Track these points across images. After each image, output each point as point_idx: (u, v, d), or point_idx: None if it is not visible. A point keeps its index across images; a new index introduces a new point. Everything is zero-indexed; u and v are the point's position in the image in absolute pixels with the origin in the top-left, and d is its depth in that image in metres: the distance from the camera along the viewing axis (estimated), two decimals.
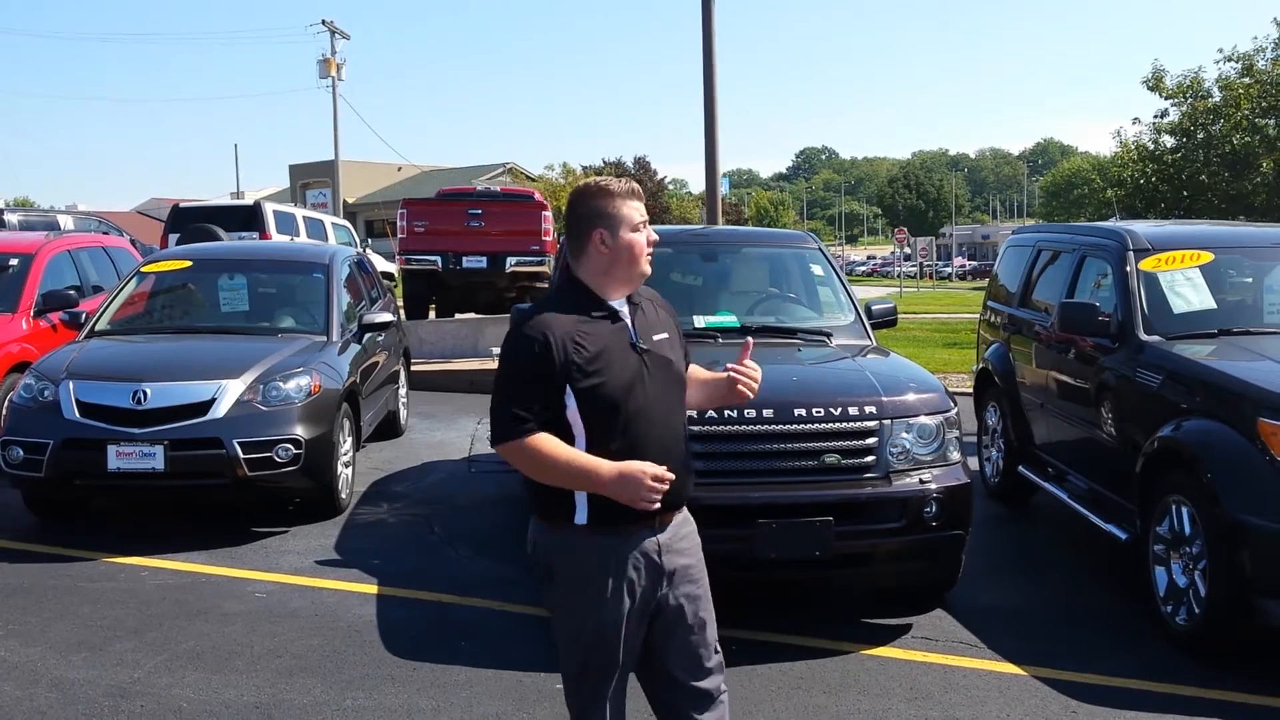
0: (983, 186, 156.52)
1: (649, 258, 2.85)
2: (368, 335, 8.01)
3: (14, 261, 9.13)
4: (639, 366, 2.78)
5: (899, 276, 52.15)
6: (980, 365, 8.03)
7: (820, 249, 6.73)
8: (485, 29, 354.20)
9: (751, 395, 3.04)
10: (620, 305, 2.83)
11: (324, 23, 41.73)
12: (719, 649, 3.00)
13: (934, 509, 4.76)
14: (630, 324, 2.82)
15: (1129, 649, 4.84)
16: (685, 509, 2.95)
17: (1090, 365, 6.01)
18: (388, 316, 8.17)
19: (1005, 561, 6.20)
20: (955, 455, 4.97)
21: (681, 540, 2.90)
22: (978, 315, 8.77)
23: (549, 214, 14.48)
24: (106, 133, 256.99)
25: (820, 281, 6.56)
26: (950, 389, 5.37)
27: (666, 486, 2.67)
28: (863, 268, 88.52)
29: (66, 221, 17.12)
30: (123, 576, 5.78)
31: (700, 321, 5.96)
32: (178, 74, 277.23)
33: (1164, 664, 4.64)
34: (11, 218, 16.31)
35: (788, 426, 4.72)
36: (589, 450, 2.71)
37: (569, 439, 2.72)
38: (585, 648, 2.81)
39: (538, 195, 16.54)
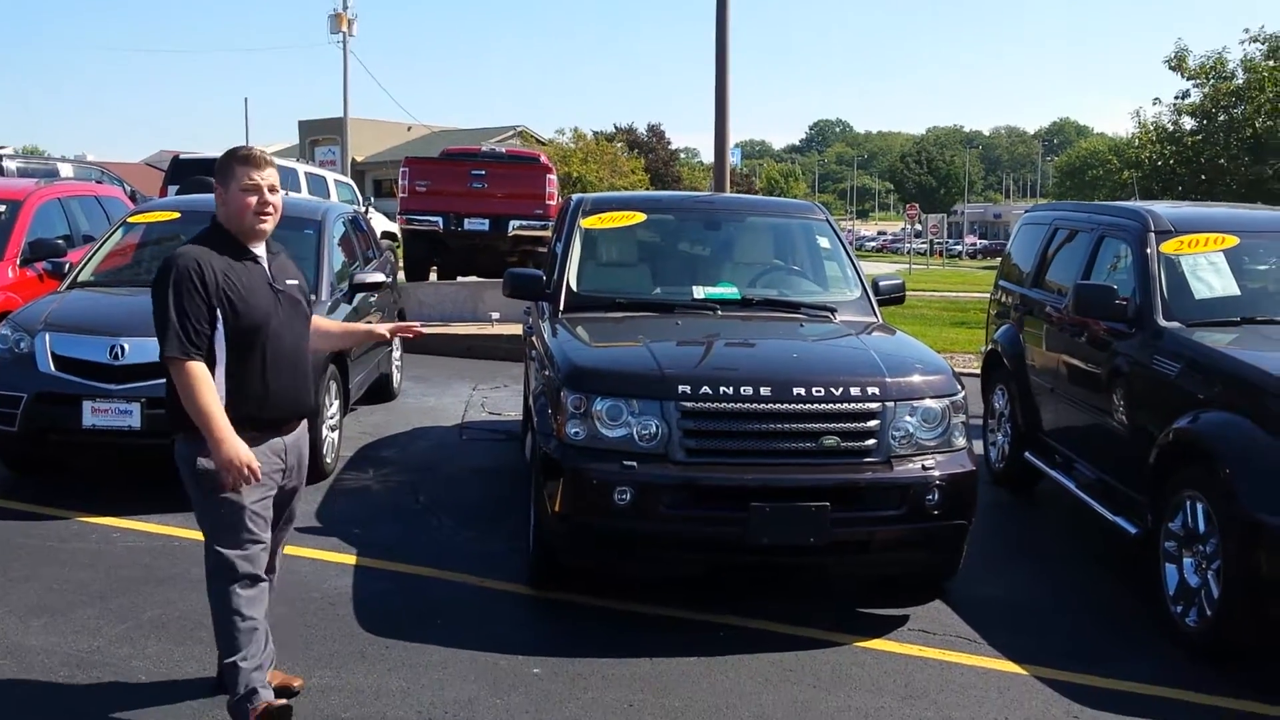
0: (996, 165, 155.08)
1: (257, 214, 3.52)
2: (359, 295, 7.77)
3: (1, 208, 8.91)
4: (274, 302, 3.56)
5: (909, 253, 51.58)
6: (989, 346, 7.78)
7: (828, 220, 6.47)
8: None
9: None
10: (258, 250, 3.60)
11: None
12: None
13: (936, 497, 4.54)
14: (268, 268, 3.60)
15: (1135, 650, 4.62)
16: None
17: (1104, 350, 5.77)
18: (380, 277, 7.93)
19: (1007, 552, 5.98)
20: (960, 441, 4.74)
21: (298, 439, 3.73)
22: (988, 295, 8.50)
23: (554, 177, 14.17)
24: (120, 83, 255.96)
25: (827, 255, 6.31)
26: (956, 370, 5.13)
27: (252, 483, 3.42)
28: (873, 243, 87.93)
29: (66, 170, 16.87)
30: (94, 537, 5.59)
31: (700, 292, 5.73)
32: (190, 25, 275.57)
33: (1172, 667, 4.42)
34: (10, 164, 16.03)
35: (785, 406, 4.49)
36: (228, 365, 3.47)
37: (211, 360, 3.44)
38: (227, 528, 3.52)
39: (543, 158, 16.22)
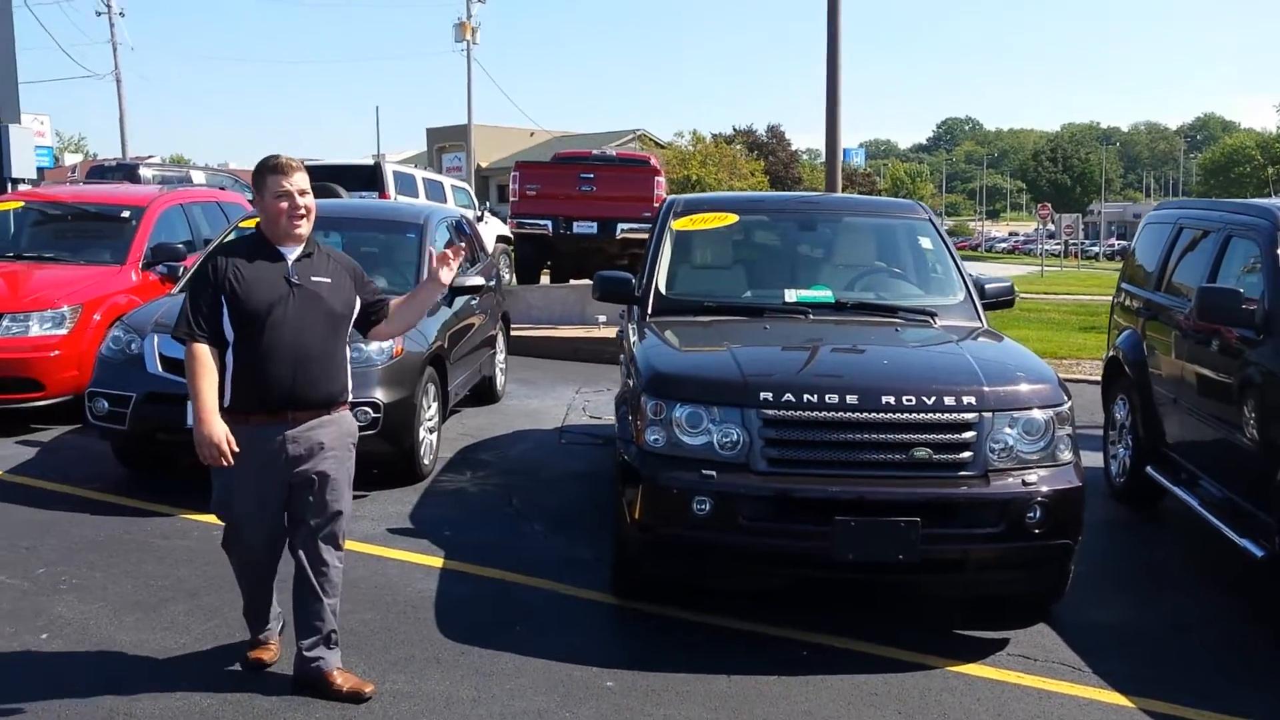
0: (1135, 163, 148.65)
1: (290, 219, 3.74)
2: (460, 298, 7.82)
3: (126, 214, 9.29)
4: (286, 293, 3.74)
5: (1041, 254, 49.77)
6: (1110, 353, 7.35)
7: (930, 220, 6.19)
8: None
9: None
10: (288, 250, 3.79)
11: None
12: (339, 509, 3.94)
13: (1038, 514, 4.26)
14: (290, 263, 3.78)
15: (1256, 686, 4.25)
16: (329, 410, 3.87)
17: (1233, 359, 5.36)
18: (479, 280, 7.95)
19: (1122, 573, 5.61)
20: (1066, 455, 4.45)
21: (309, 431, 3.80)
22: None
23: (662, 179, 14.07)
24: (261, 95, 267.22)
25: (929, 256, 6.04)
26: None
27: (224, 462, 3.64)
28: (1004, 244, 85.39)
29: (198, 177, 17.59)
30: (195, 534, 5.73)
31: (792, 296, 5.55)
32: (324, 37, 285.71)
33: None
34: (147, 172, 16.82)
35: (873, 415, 4.28)
36: (234, 348, 3.73)
37: (224, 342, 3.74)
38: (219, 499, 3.88)
39: (653, 160, 16.15)
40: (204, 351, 3.70)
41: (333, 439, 3.87)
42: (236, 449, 3.66)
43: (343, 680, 3.89)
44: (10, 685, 3.94)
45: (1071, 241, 58.38)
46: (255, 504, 3.82)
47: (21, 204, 9.91)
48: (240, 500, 3.82)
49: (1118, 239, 75.86)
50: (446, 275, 3.98)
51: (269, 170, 3.76)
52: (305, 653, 3.92)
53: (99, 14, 39.99)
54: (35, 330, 7.79)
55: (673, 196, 6.69)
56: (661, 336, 5.13)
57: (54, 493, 6.39)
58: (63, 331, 7.87)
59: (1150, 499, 6.62)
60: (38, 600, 4.75)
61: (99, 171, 18.03)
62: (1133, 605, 5.15)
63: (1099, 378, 8.40)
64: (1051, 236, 52.29)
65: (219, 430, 3.63)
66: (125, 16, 43.17)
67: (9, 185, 12.86)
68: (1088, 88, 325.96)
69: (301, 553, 3.92)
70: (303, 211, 3.77)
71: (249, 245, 3.86)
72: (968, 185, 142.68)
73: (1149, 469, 6.35)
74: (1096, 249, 71.65)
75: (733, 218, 6.14)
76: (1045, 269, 43.62)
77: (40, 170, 17.48)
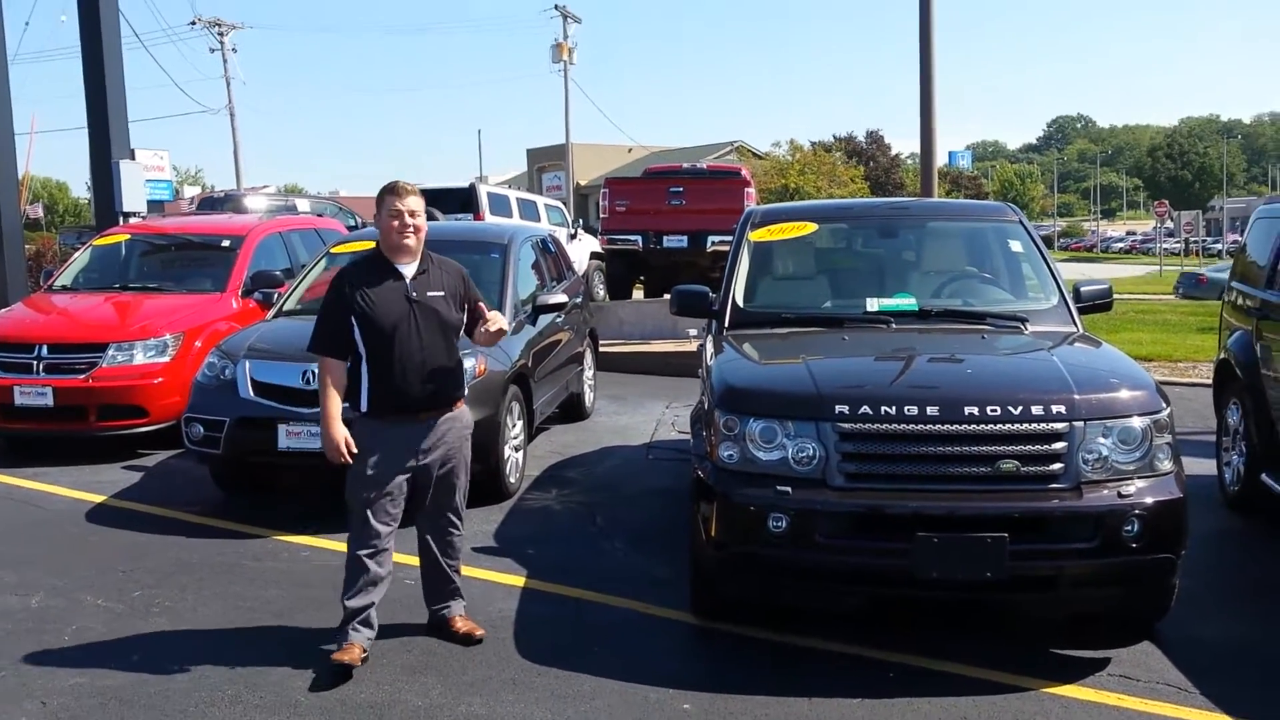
0: (1260, 155, 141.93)
1: (399, 235, 4.25)
2: (544, 316, 7.83)
3: (226, 243, 9.59)
4: (407, 311, 4.23)
5: (1160, 254, 47.83)
6: (1221, 355, 6.97)
7: (1021, 222, 5.95)
8: (714, 5, 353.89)
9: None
10: (405, 268, 4.29)
11: (557, 8, 42.67)
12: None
13: (1135, 528, 4.03)
14: (409, 281, 4.28)
15: None
16: (451, 407, 4.41)
17: None
18: (562, 298, 7.97)
19: (1234, 587, 5.29)
20: (1166, 464, 4.20)
21: (435, 426, 4.35)
22: None
23: (753, 191, 13.96)
24: (369, 123, 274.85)
25: (1020, 259, 5.80)
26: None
27: (343, 460, 4.24)
28: (1120, 244, 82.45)
29: (303, 205, 18.14)
30: (285, 556, 5.84)
31: (873, 304, 5.38)
32: (427, 65, 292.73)
33: None
34: (251, 201, 17.40)
35: (956, 427, 4.10)
36: (368, 359, 4.25)
37: (355, 353, 4.27)
38: (353, 487, 4.32)
39: (745, 171, 16.02)
40: (333, 365, 4.28)
41: (455, 430, 4.44)
42: (355, 450, 4.23)
43: (461, 624, 4.61)
44: (107, 711, 4.04)
45: (1192, 239, 55.99)
46: (385, 492, 4.28)
47: (128, 236, 10.33)
48: (374, 488, 4.26)
49: (1240, 235, 72.59)
50: (484, 340, 4.54)
51: (387, 192, 4.30)
52: (435, 609, 4.65)
53: (212, 50, 41.66)
54: (140, 359, 8.08)
55: (751, 208, 6.58)
56: (737, 350, 5.03)
57: (154, 516, 6.59)
58: (165, 359, 8.15)
59: (1266, 508, 6.23)
60: (131, 622, 4.89)
61: (209, 202, 18.73)
62: (1244, 622, 4.83)
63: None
64: (1170, 235, 50.28)
65: (339, 434, 4.22)
66: (237, 52, 44.83)
67: (120, 218, 13.41)
68: (1207, 80, 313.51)
69: (429, 529, 4.54)
70: (411, 229, 4.27)
71: (371, 265, 4.34)
72: (1081, 185, 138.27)
73: (1264, 476, 5.99)
74: (1219, 246, 68.60)
75: (811, 227, 6.00)
76: (1164, 268, 41.93)
77: (155, 203, 18.22)
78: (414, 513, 4.53)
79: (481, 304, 4.57)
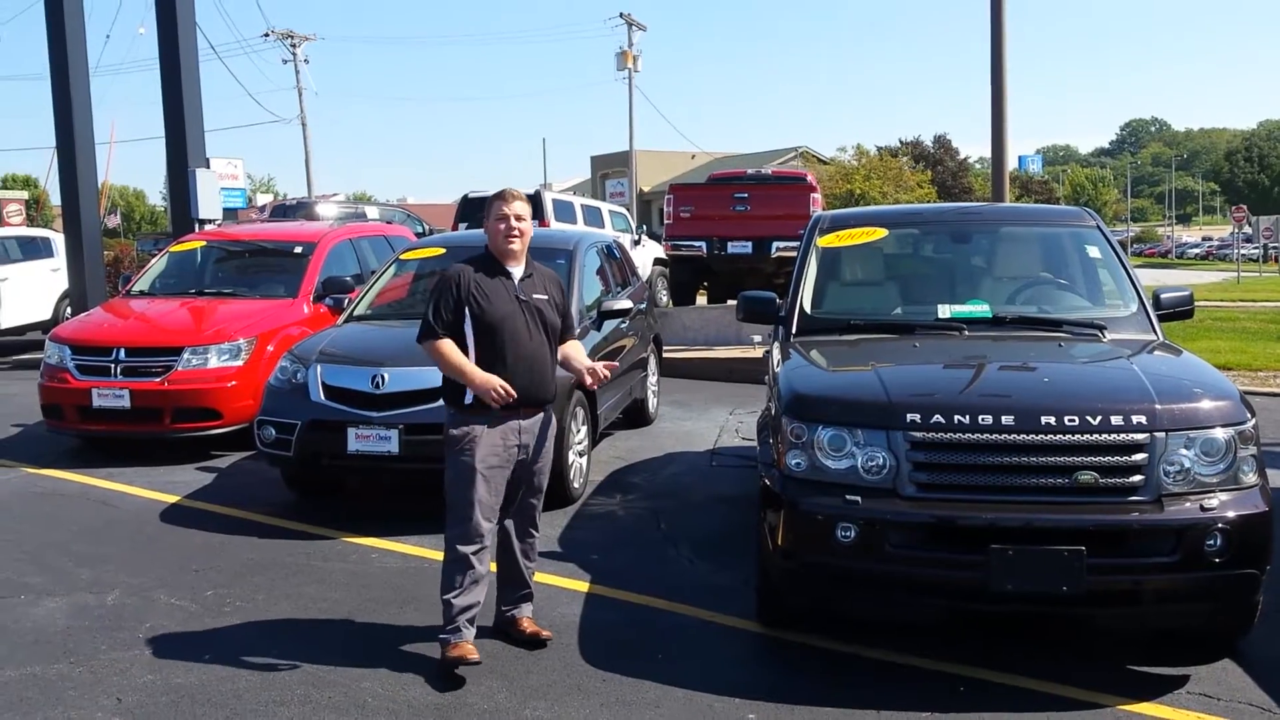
0: None
1: (505, 237, 4.44)
2: (609, 322, 7.84)
3: (298, 249, 9.76)
4: (517, 309, 4.41)
5: (1238, 260, 46.55)
6: None
7: (1099, 227, 5.80)
8: (780, 11, 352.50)
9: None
10: (513, 270, 4.48)
11: (622, 15, 42.77)
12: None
13: (1218, 542, 3.90)
14: (517, 282, 4.47)
15: None
16: (545, 407, 4.55)
17: None
18: (626, 304, 7.96)
19: None
20: (1251, 477, 4.06)
21: (532, 424, 4.49)
22: None
23: (818, 196, 13.84)
24: (438, 131, 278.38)
25: (1097, 265, 5.66)
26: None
27: (509, 397, 4.27)
28: (1196, 250, 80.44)
29: (372, 212, 18.41)
30: (354, 557, 5.90)
31: (945, 311, 5.29)
32: (494, 73, 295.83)
33: None
34: (322, 209, 17.69)
35: (1031, 437, 4.01)
36: (477, 355, 4.36)
37: (464, 347, 4.38)
38: (458, 484, 4.36)
39: (810, 177, 15.90)
40: (448, 343, 4.37)
41: (546, 431, 4.58)
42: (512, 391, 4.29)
43: (528, 625, 4.65)
44: (179, 709, 4.11)
45: (1271, 245, 54.39)
46: (491, 491, 4.37)
47: (204, 243, 10.56)
48: (480, 484, 4.33)
49: None
50: (587, 378, 4.66)
51: (496, 198, 4.50)
52: (504, 610, 4.68)
53: (285, 62, 42.49)
54: (214, 362, 8.25)
55: (820, 213, 6.51)
56: (805, 356, 4.97)
57: (226, 517, 6.71)
58: (239, 363, 8.31)
59: None
60: (203, 620, 4.97)
61: (281, 210, 19.10)
62: None
63: None
64: (1249, 240, 48.89)
65: (495, 378, 4.28)
66: (309, 63, 45.69)
67: (195, 225, 13.72)
68: None
69: (512, 524, 4.61)
70: (516, 233, 4.45)
71: (482, 264, 4.49)
72: (1155, 189, 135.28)
73: None
74: None
75: (881, 232, 5.92)
76: (1242, 275, 40.80)
77: (229, 210, 18.60)
78: (503, 512, 4.56)
79: (567, 315, 4.69)
